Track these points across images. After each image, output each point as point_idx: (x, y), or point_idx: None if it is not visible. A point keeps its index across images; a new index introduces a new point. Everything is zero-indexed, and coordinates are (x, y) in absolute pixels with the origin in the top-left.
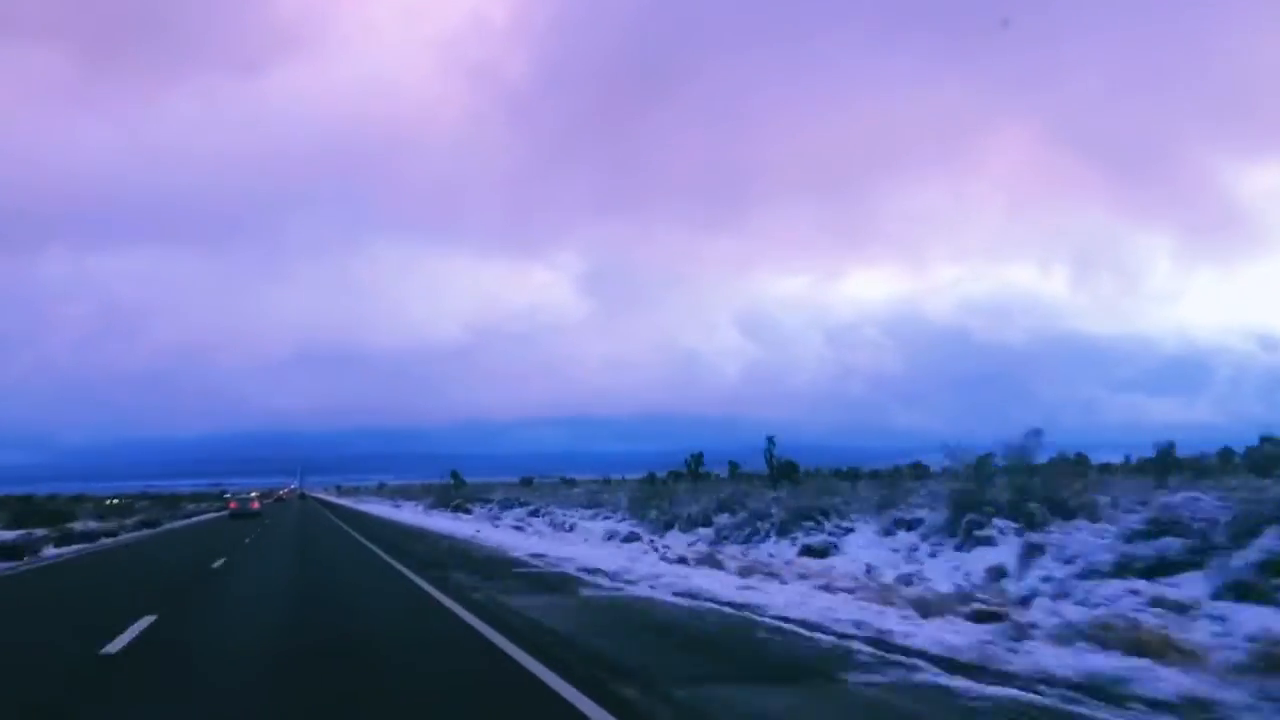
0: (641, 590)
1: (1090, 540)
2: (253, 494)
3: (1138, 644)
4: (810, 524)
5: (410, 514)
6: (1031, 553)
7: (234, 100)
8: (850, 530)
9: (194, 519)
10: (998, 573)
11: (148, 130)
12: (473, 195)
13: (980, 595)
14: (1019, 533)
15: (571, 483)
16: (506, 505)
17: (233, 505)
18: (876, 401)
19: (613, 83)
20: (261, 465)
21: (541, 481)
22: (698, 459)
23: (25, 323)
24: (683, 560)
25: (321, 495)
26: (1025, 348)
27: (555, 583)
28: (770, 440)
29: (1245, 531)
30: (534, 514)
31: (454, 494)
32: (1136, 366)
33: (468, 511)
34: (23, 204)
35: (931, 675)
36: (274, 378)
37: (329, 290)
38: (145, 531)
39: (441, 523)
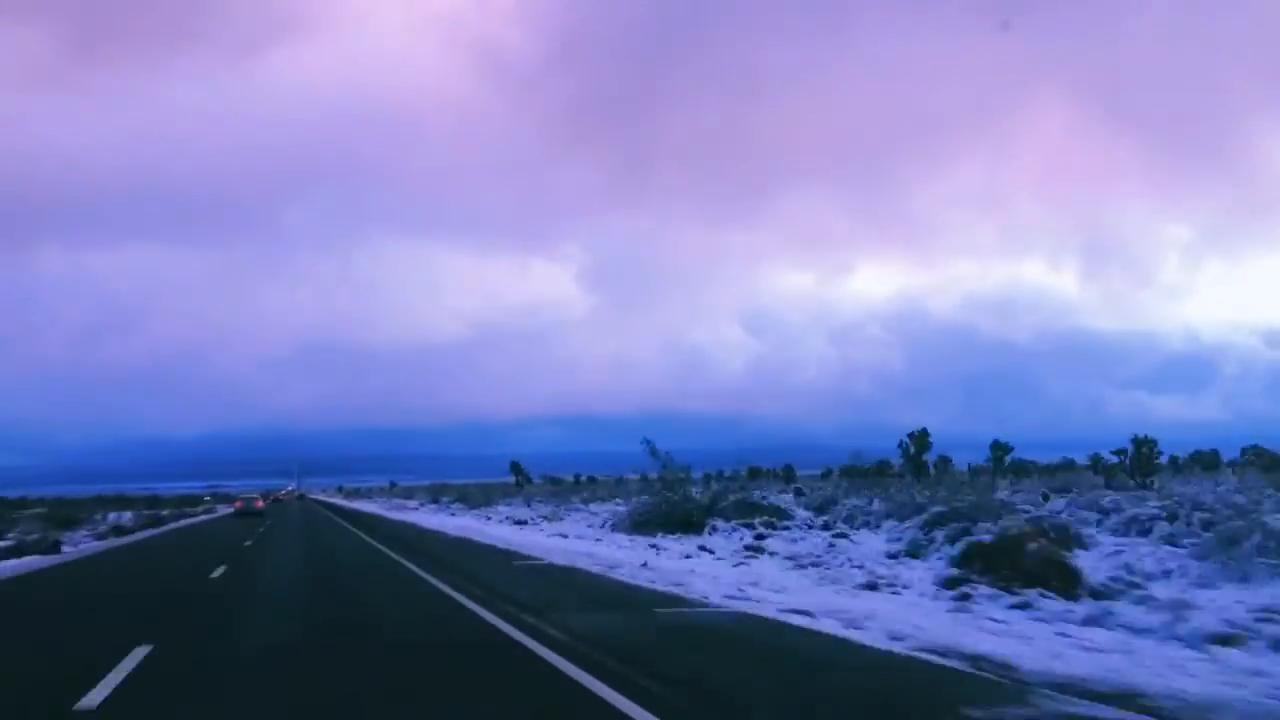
0: None
1: None
2: (256, 495)
3: None
4: None
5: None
6: None
7: (229, 88)
8: None
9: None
10: None
11: (140, 119)
12: (474, 186)
13: None
14: None
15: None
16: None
17: (238, 504)
18: (895, 399)
19: (616, 67)
20: (258, 467)
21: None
22: (921, 438)
23: (14, 322)
24: None
25: (321, 497)
26: (1032, 344)
27: None
28: None
29: None
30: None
31: (679, 499)
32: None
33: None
34: (12, 196)
35: None
36: (269, 377)
37: (326, 286)
38: None
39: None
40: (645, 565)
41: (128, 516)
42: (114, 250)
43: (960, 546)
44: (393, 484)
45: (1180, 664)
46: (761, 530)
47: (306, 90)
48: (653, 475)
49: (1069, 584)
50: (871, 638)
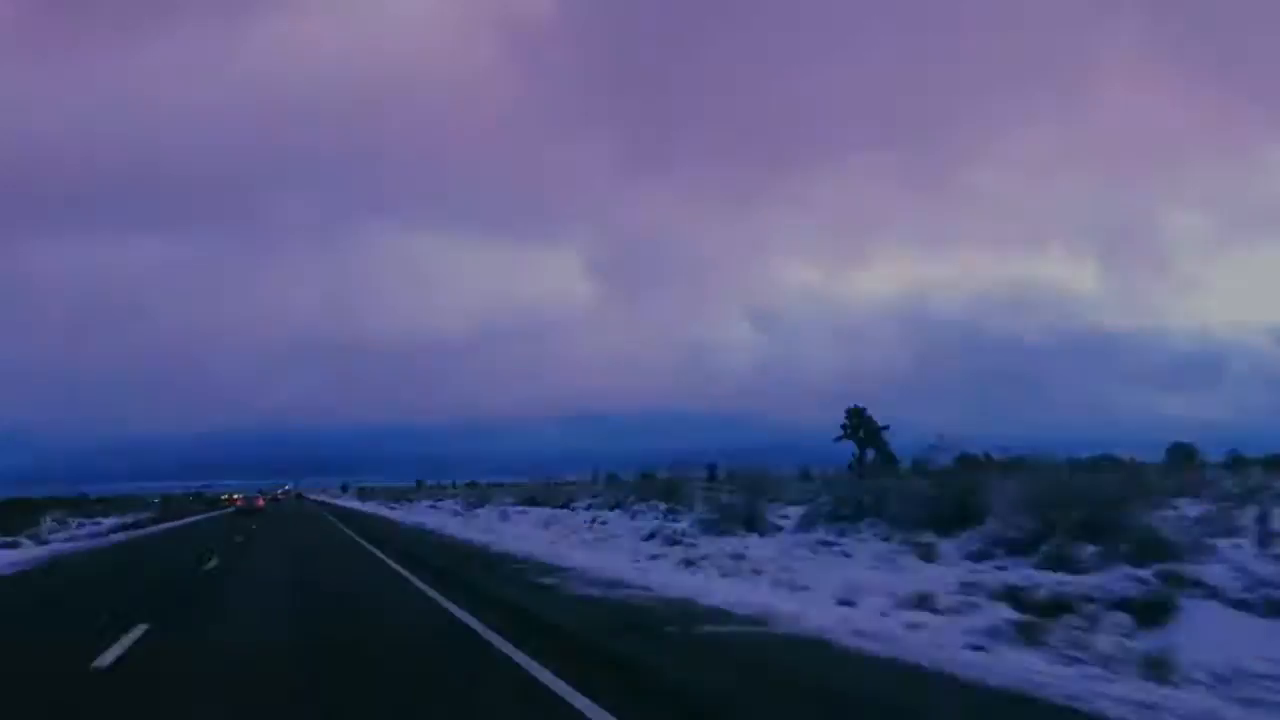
0: None
1: None
2: (257, 495)
3: None
4: None
5: None
6: None
7: (212, 69)
8: None
9: None
10: None
11: (118, 95)
12: (478, 172)
13: None
14: None
15: (714, 480)
16: None
17: (239, 502)
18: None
19: (614, 56)
20: (253, 467)
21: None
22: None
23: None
24: None
25: (324, 497)
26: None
27: None
28: None
29: None
30: None
31: None
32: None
33: None
34: None
35: None
36: (265, 373)
37: (319, 277)
38: None
39: None
40: None
41: None
42: (98, 241)
43: None
44: (419, 483)
45: None
46: None
47: (304, 65)
48: None
49: None
50: None
